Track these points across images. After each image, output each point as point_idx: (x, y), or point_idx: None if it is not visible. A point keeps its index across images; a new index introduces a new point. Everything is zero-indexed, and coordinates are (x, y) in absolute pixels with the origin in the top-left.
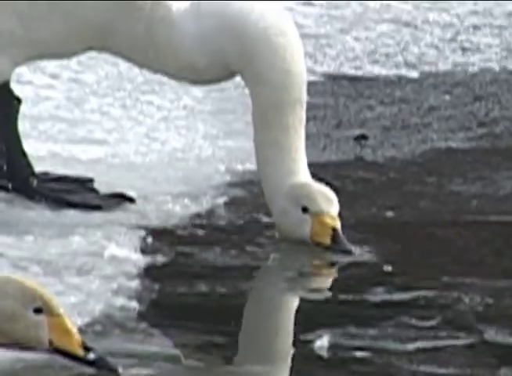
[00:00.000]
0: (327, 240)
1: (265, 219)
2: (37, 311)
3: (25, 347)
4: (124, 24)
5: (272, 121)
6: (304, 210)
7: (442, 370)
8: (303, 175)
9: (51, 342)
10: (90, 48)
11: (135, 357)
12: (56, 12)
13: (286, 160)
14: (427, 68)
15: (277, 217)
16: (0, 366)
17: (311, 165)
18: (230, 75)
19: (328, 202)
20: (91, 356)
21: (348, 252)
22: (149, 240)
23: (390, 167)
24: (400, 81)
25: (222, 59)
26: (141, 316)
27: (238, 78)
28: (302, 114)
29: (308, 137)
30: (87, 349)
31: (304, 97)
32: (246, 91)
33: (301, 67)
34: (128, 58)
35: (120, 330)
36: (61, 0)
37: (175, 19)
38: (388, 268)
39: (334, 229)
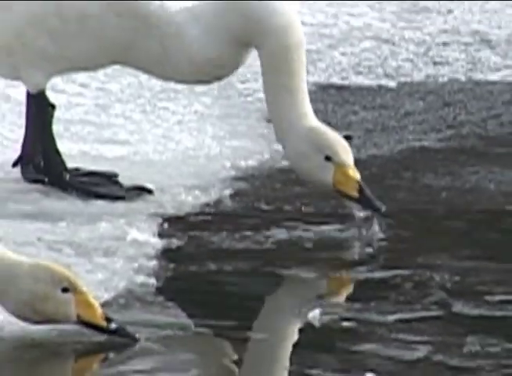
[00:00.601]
0: (354, 193)
1: (265, 208)
2: (65, 290)
3: (56, 322)
4: (142, 41)
5: (280, 66)
6: (327, 158)
7: (417, 338)
8: (313, 118)
9: (78, 316)
10: (114, 63)
11: (153, 327)
12: (85, 31)
13: (296, 103)
14: (403, 79)
15: (296, 160)
16: (36, 333)
17: None
18: (246, 54)
19: (349, 155)
20: (113, 326)
21: (377, 209)
22: (165, 226)
23: (372, 163)
24: (380, 89)
25: (233, 38)
26: (158, 291)
27: (241, 86)
28: (304, 59)
29: None
30: (109, 320)
31: (304, 41)
32: (249, 98)
33: (297, 15)
34: (148, 72)
35: (140, 303)
36: (89, 20)
37: (183, 30)
38: (370, 250)
39: (359, 183)
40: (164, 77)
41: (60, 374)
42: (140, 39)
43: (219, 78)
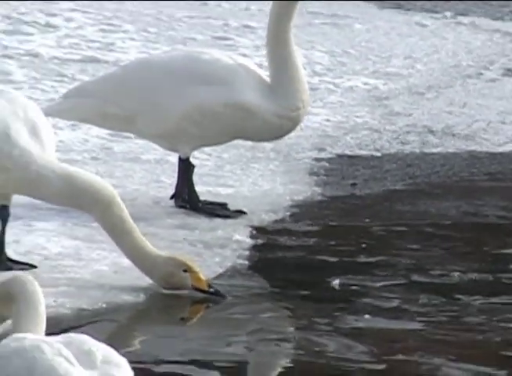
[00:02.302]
0: (208, 288)
1: (310, 222)
2: (185, 271)
3: (179, 289)
4: (248, 125)
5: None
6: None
7: (391, 295)
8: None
9: (192, 286)
10: (233, 139)
11: (248, 292)
12: (217, 122)
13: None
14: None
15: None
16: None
17: (332, 197)
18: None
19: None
20: (212, 289)
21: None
22: (254, 232)
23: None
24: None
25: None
26: (252, 269)
27: (298, 156)
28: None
29: (330, 184)
30: (210, 287)
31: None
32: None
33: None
34: (252, 140)
35: (239, 276)
36: (220, 115)
37: (268, 118)
38: (363, 246)
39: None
40: (261, 140)
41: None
42: (247, 124)
43: (282, 136)
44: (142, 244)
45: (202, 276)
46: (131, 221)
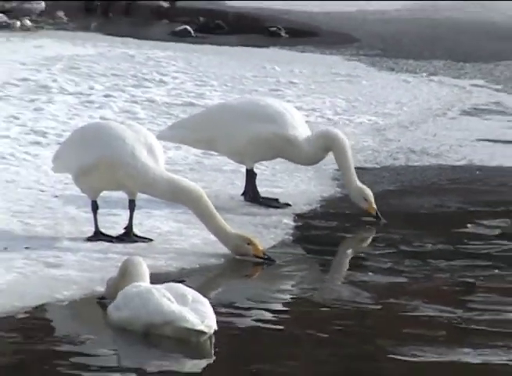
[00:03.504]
0: (262, 255)
1: (333, 211)
2: (248, 244)
3: (245, 256)
4: (286, 150)
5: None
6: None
7: (386, 260)
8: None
9: (253, 253)
10: (274, 158)
11: (292, 258)
12: (267, 146)
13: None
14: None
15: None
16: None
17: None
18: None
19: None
20: (266, 256)
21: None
22: (296, 217)
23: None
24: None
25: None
26: (295, 242)
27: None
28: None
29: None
30: (265, 254)
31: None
32: (323, 167)
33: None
34: (291, 161)
35: (286, 247)
36: (268, 143)
37: (304, 148)
38: (367, 226)
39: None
40: (297, 163)
41: None
42: (285, 149)
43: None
44: (222, 225)
45: (260, 247)
46: (214, 210)
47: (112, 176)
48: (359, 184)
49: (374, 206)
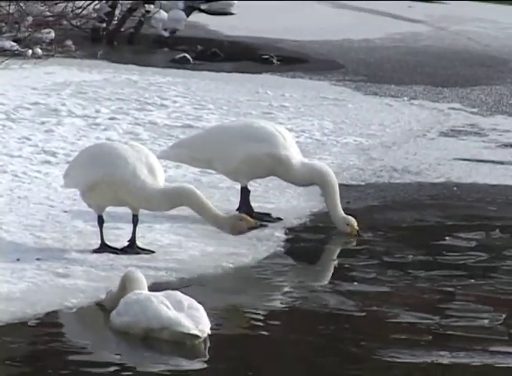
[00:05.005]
0: (254, 225)
1: (321, 225)
2: (240, 220)
3: (241, 233)
4: (279, 170)
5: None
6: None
7: (370, 270)
8: (226, 215)
9: (246, 227)
10: (269, 176)
11: (283, 267)
12: (260, 167)
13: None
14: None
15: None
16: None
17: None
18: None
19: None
20: (259, 224)
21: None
22: (287, 231)
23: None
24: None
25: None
26: (286, 253)
27: None
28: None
29: None
30: (257, 223)
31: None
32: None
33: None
34: (283, 179)
35: (278, 258)
36: (262, 164)
37: (294, 171)
38: (351, 239)
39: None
40: (288, 182)
41: None
42: (277, 169)
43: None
44: (217, 213)
45: (251, 219)
46: (207, 202)
47: (114, 193)
48: (343, 214)
49: (357, 228)
